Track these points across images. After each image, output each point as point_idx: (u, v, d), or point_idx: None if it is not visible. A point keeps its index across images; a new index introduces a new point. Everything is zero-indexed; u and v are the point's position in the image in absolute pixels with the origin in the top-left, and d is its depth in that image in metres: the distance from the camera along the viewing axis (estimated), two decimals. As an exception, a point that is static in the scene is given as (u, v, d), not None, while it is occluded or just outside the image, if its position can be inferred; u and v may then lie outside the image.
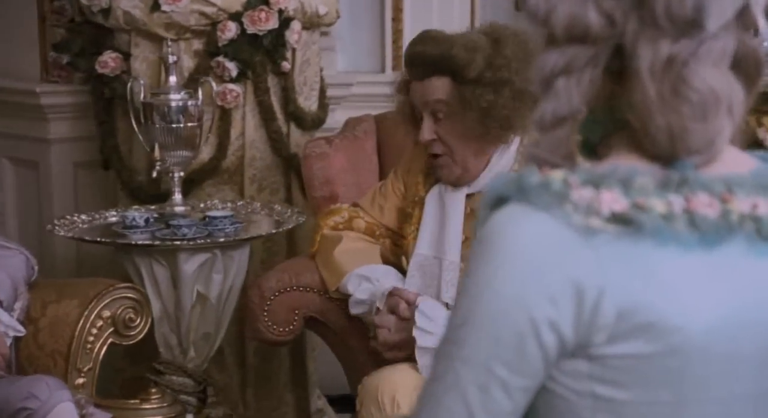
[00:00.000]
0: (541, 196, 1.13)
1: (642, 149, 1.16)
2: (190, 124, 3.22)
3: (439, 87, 2.62)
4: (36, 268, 2.81)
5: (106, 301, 2.77)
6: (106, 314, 2.77)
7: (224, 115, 3.48)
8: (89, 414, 2.62)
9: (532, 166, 1.16)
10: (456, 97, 2.59)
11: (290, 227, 3.19)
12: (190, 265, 3.05)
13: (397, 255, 2.86)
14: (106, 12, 3.49)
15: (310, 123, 3.63)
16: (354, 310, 2.74)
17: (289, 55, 3.51)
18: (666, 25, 1.12)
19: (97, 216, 3.31)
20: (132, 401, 2.85)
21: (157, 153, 3.18)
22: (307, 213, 3.37)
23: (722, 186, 1.13)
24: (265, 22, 3.39)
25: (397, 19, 4.06)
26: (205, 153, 3.46)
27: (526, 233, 1.13)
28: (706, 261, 1.12)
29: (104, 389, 3.12)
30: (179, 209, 3.25)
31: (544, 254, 1.12)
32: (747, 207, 1.13)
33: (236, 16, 3.41)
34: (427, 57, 2.62)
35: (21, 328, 2.72)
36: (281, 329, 2.85)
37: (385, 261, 2.80)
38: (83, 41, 3.67)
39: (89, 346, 2.75)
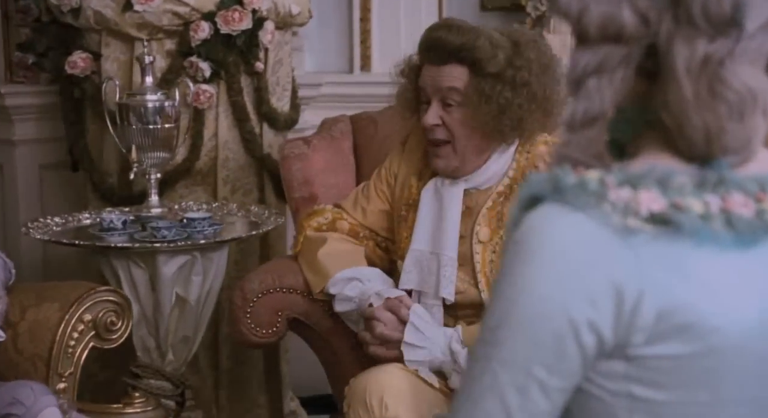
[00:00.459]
0: (578, 197, 1.13)
1: (675, 149, 1.16)
2: (167, 125, 3.20)
3: (456, 75, 2.60)
4: (13, 271, 2.77)
5: (87, 304, 2.73)
6: (88, 317, 2.73)
7: (197, 116, 3.45)
8: (72, 419, 2.59)
9: (566, 166, 1.16)
10: (473, 88, 2.58)
11: (270, 228, 3.17)
12: (169, 267, 3.03)
13: (380, 257, 2.85)
14: (76, 11, 3.45)
15: (283, 123, 3.62)
16: (339, 307, 2.72)
17: (261, 55, 3.49)
18: (703, 24, 1.12)
19: (70, 218, 3.28)
20: (115, 406, 2.82)
21: (134, 154, 3.14)
22: (281, 214, 3.37)
23: (756, 186, 1.14)
24: (238, 22, 3.37)
25: (365, 19, 4.05)
26: (178, 154, 3.43)
27: (565, 233, 1.12)
28: (741, 261, 1.12)
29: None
30: (156, 210, 3.23)
31: (583, 254, 1.12)
32: None
33: (209, 16, 3.39)
34: (450, 43, 2.59)
35: (0, 333, 2.68)
36: (264, 331, 2.83)
37: (369, 263, 2.79)
38: (49, 41, 3.63)
39: (70, 350, 2.71)
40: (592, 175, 1.14)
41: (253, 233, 3.14)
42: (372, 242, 2.85)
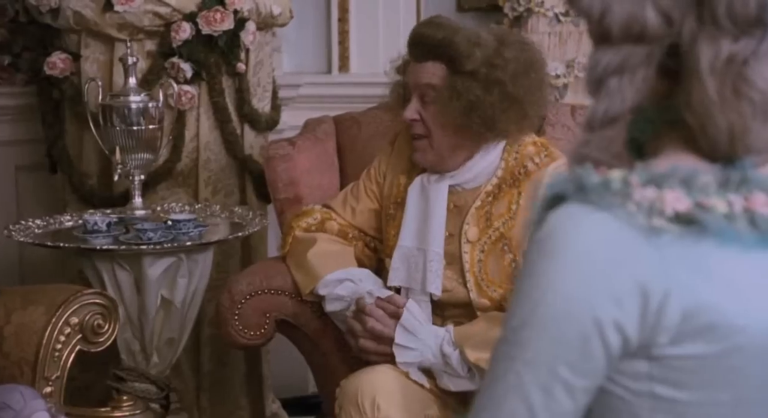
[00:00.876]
0: (602, 196, 1.12)
1: (697, 148, 1.16)
2: (150, 127, 3.18)
3: (434, 72, 2.62)
4: None
5: (74, 307, 2.70)
6: (74, 320, 2.70)
7: (178, 117, 3.43)
8: (61, 423, 2.57)
9: (588, 166, 1.16)
10: (447, 85, 2.59)
11: (256, 229, 3.16)
12: (154, 269, 3.01)
13: (369, 258, 2.85)
14: (55, 12, 3.42)
15: (264, 124, 3.61)
16: (330, 306, 2.71)
17: (243, 56, 3.48)
18: (727, 24, 1.12)
19: (51, 221, 3.25)
20: (103, 409, 2.80)
21: (117, 156, 3.12)
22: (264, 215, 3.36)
23: None
24: (220, 23, 3.36)
25: (343, 19, 4.04)
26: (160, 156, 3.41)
27: (589, 232, 1.12)
28: (764, 260, 1.13)
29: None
30: (140, 212, 3.20)
31: (608, 253, 1.11)
32: None
33: (191, 17, 3.37)
34: (429, 40, 2.61)
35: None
36: (252, 333, 2.81)
37: (359, 264, 2.79)
38: (26, 42, 3.60)
39: (57, 354, 2.68)
40: (616, 175, 1.14)
41: (239, 234, 3.13)
42: (361, 243, 2.85)
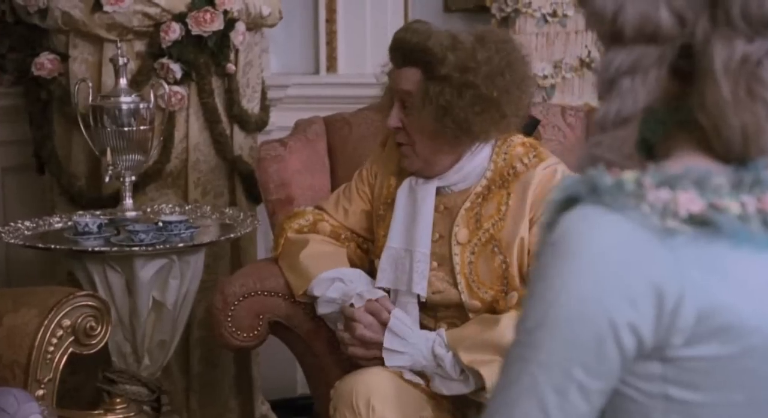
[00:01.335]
0: (615, 198, 1.12)
1: (709, 149, 1.16)
2: (141, 128, 3.16)
3: (409, 77, 2.61)
4: None
5: (66, 309, 2.69)
6: (67, 323, 2.69)
7: (168, 118, 3.42)
8: (53, 426, 2.56)
9: (600, 167, 1.16)
10: (420, 90, 2.59)
11: (247, 231, 3.15)
12: (146, 271, 2.99)
13: (362, 258, 2.84)
14: (43, 12, 3.40)
15: (254, 125, 3.60)
16: (322, 309, 2.70)
17: (232, 56, 3.47)
18: (741, 25, 1.12)
19: (41, 222, 3.23)
20: (96, 412, 2.79)
21: (109, 157, 3.11)
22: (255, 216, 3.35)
23: None
24: (209, 23, 3.35)
25: (331, 20, 4.03)
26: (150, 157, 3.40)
27: (603, 234, 1.12)
28: None
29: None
30: (131, 214, 3.19)
31: (623, 255, 1.11)
32: None
33: (180, 17, 3.36)
34: (405, 45, 2.61)
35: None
36: (245, 335, 2.81)
37: (351, 264, 2.78)
38: (13, 42, 3.58)
39: (49, 356, 2.67)
40: (629, 176, 1.14)
41: (231, 235, 3.12)
42: (353, 244, 2.84)
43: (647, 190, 1.12)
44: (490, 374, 2.46)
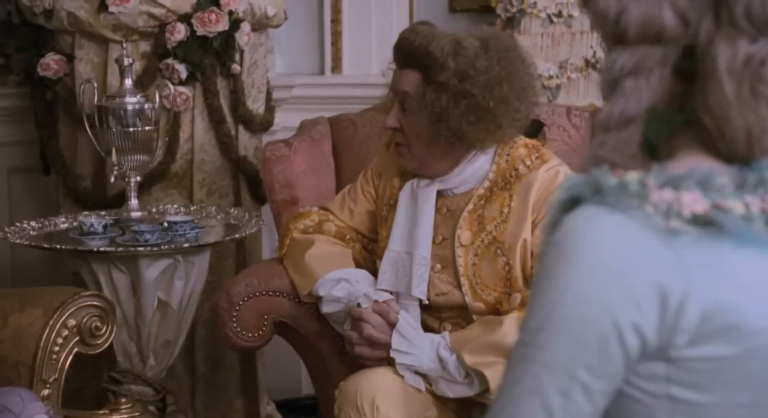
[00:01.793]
0: (619, 198, 1.12)
1: (713, 149, 1.16)
2: (147, 128, 3.16)
3: (409, 79, 2.61)
4: None
5: (72, 310, 2.69)
6: (72, 323, 2.69)
7: (173, 118, 3.42)
8: (59, 426, 2.56)
9: (604, 168, 1.16)
10: (418, 94, 2.59)
11: (253, 231, 3.15)
12: (151, 271, 3.00)
13: (367, 259, 2.84)
14: (49, 13, 3.41)
15: (259, 126, 3.60)
16: (327, 308, 2.70)
17: (237, 57, 3.47)
18: (745, 25, 1.12)
19: (46, 223, 3.23)
20: (101, 412, 2.79)
21: (114, 158, 3.11)
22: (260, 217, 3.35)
23: None
24: (215, 24, 3.35)
25: (336, 20, 4.03)
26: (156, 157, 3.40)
27: (607, 235, 1.12)
28: None
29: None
30: (136, 214, 3.19)
31: (627, 256, 1.11)
32: None
33: (185, 18, 3.36)
34: (407, 46, 2.61)
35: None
36: (250, 335, 2.81)
37: (356, 265, 2.78)
38: (19, 43, 3.59)
39: (54, 356, 2.67)
40: (633, 177, 1.14)
41: (236, 236, 3.13)
42: (359, 244, 2.84)
43: (651, 190, 1.13)
44: (494, 376, 2.45)
